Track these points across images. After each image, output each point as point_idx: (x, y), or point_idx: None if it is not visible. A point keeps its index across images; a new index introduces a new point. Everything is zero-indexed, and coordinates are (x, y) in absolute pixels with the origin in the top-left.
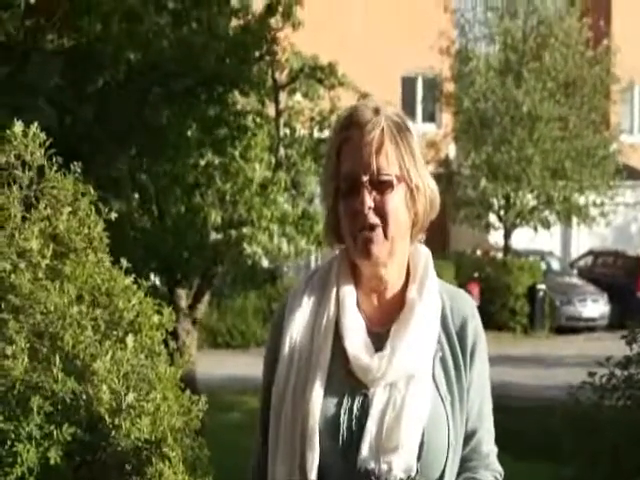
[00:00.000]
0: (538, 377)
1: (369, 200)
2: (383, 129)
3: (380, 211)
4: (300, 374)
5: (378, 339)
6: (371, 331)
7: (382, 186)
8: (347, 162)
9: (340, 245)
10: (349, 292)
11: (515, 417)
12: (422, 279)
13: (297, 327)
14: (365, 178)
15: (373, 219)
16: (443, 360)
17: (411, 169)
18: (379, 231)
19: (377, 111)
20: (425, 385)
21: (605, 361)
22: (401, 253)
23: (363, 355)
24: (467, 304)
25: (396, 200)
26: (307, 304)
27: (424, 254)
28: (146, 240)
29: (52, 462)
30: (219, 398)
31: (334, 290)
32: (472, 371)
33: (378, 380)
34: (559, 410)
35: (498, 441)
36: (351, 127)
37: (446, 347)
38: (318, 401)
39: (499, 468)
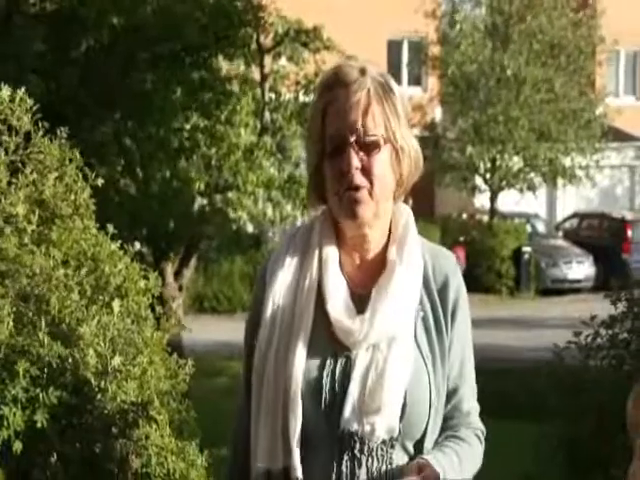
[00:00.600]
0: (523, 339)
1: (356, 160)
2: (369, 90)
3: (366, 172)
4: (282, 337)
5: (360, 301)
6: (353, 293)
7: (368, 147)
8: (333, 123)
9: (324, 206)
10: (331, 253)
11: (500, 378)
12: (402, 239)
13: (279, 290)
14: (352, 138)
15: (359, 180)
16: (425, 320)
17: (396, 130)
18: (365, 192)
19: (363, 71)
20: (407, 346)
21: (590, 320)
22: (385, 214)
23: (345, 318)
24: (449, 262)
25: (382, 161)
26: (289, 266)
27: (405, 213)
28: (131, 205)
29: (38, 425)
30: (205, 363)
31: (316, 251)
32: (453, 329)
33: (360, 342)
34: (544, 370)
35: (484, 402)
36: (336, 87)
37: (427, 307)
38: (300, 364)
39: (481, 426)
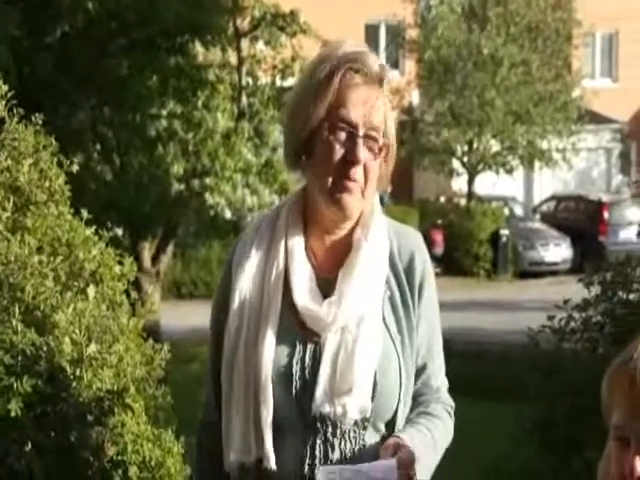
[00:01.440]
0: (501, 321)
1: (363, 156)
2: (384, 92)
3: (366, 171)
4: (251, 327)
5: (327, 285)
6: (320, 277)
7: (373, 146)
8: (350, 107)
9: (299, 173)
10: (297, 240)
11: (478, 361)
12: (368, 220)
13: (246, 280)
14: (362, 132)
15: (359, 175)
16: (392, 299)
17: (393, 134)
18: (358, 187)
19: (382, 69)
20: (375, 326)
21: (563, 304)
22: (365, 207)
23: (311, 305)
24: (414, 240)
25: (377, 166)
26: (255, 256)
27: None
28: (108, 192)
29: (13, 414)
30: (183, 349)
31: (282, 240)
32: (420, 306)
33: (329, 326)
34: (520, 353)
35: (462, 384)
36: (358, 74)
37: (394, 286)
38: (270, 353)
39: (450, 401)
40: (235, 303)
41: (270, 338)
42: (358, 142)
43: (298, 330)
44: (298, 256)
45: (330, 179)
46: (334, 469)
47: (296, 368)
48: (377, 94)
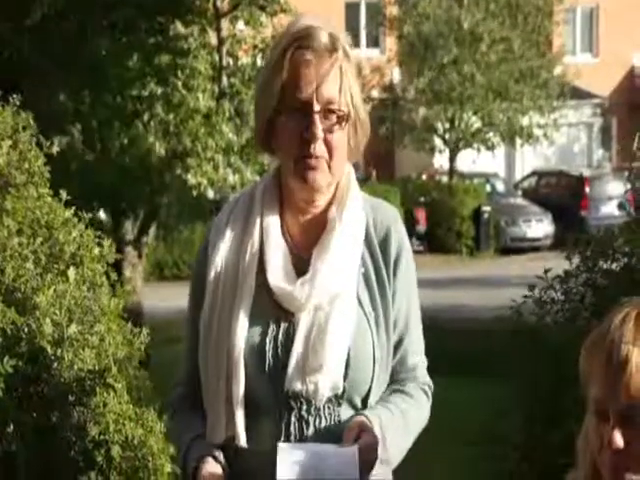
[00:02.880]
0: (484, 298)
1: (320, 131)
2: (339, 60)
3: (328, 144)
4: (225, 306)
5: (302, 263)
6: (296, 256)
7: (332, 118)
8: (301, 86)
9: (270, 155)
10: (273, 220)
11: (461, 337)
12: (343, 197)
13: (221, 260)
14: (318, 107)
15: (320, 150)
16: (366, 276)
17: (357, 103)
18: (323, 162)
19: (333, 39)
20: (349, 303)
21: (544, 273)
22: (336, 180)
23: (285, 284)
24: (390, 215)
25: (342, 135)
26: (230, 236)
27: (346, 172)
28: (89, 174)
29: None
30: (166, 331)
31: (258, 219)
32: (396, 283)
33: (303, 305)
34: (503, 328)
35: (445, 362)
36: (308, 50)
37: (369, 263)
38: (242, 332)
39: (428, 380)
40: (210, 281)
41: (243, 316)
42: (313, 119)
43: (272, 309)
44: (273, 235)
45: (293, 159)
46: (295, 449)
47: (269, 346)
48: (330, 65)
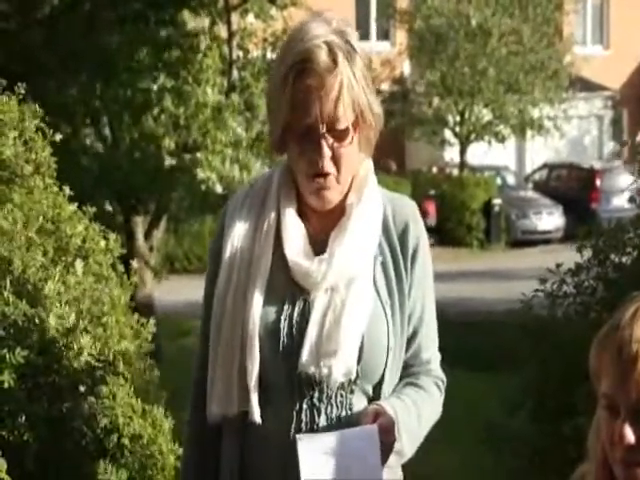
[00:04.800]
0: (495, 291)
1: (327, 150)
2: (340, 74)
3: (336, 160)
4: (240, 282)
5: (319, 245)
6: (312, 237)
7: (339, 134)
8: (305, 112)
9: (282, 154)
10: (290, 201)
11: (472, 331)
12: (361, 187)
13: (237, 237)
14: (323, 129)
15: (328, 167)
16: (384, 265)
17: (365, 108)
18: (332, 178)
19: (333, 54)
20: (365, 289)
21: (556, 268)
22: (346, 188)
23: (302, 260)
24: (409, 209)
25: (351, 148)
26: (247, 214)
27: (364, 167)
28: (99, 167)
29: (5, 385)
30: (178, 323)
31: (275, 198)
32: (413, 275)
33: (319, 284)
34: (514, 322)
35: (456, 356)
36: (309, 74)
37: (387, 252)
38: (258, 308)
39: (441, 374)
40: (226, 258)
41: (258, 293)
42: (320, 142)
43: (288, 287)
44: (291, 215)
45: (304, 178)
46: (315, 440)
47: (284, 324)
48: (330, 86)
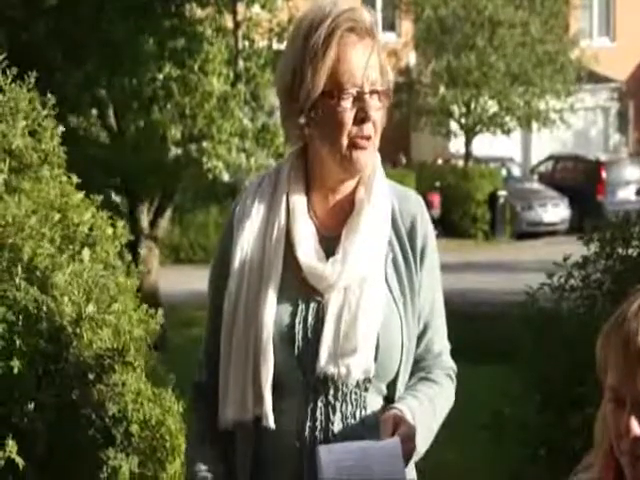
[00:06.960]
0: (499, 282)
1: (371, 112)
2: (377, 40)
3: (375, 124)
4: (252, 286)
5: (329, 244)
6: (322, 236)
7: (376, 98)
8: (352, 70)
9: (295, 139)
10: (299, 199)
11: (477, 323)
12: (370, 181)
13: (247, 239)
14: (368, 89)
15: (370, 130)
16: (395, 261)
17: (387, 76)
18: (371, 142)
19: (372, 18)
20: (379, 287)
21: (563, 262)
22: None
23: (316, 263)
24: (416, 204)
25: (384, 113)
26: (256, 215)
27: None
28: (105, 156)
29: (15, 372)
30: (183, 313)
31: (284, 198)
32: (423, 270)
33: (333, 286)
34: (519, 314)
35: (460, 347)
36: (354, 31)
37: (397, 248)
38: (271, 312)
39: (452, 364)
40: (236, 261)
41: (272, 297)
42: (367, 101)
43: (301, 289)
44: (300, 214)
45: (345, 141)
46: (338, 451)
47: (298, 328)
48: (371, 46)
